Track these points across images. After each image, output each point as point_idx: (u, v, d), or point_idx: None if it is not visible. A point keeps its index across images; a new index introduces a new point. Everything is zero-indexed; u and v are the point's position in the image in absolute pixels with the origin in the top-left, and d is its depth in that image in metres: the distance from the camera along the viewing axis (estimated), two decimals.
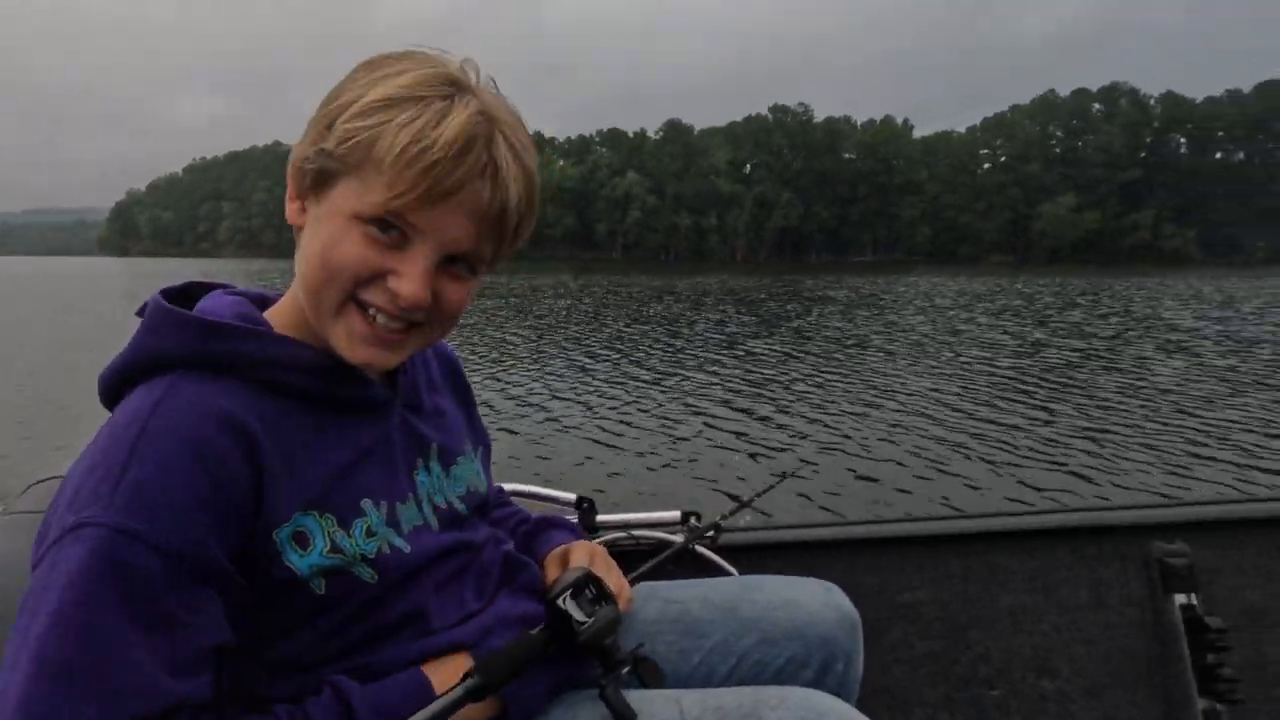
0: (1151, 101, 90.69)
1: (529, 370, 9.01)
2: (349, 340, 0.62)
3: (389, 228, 0.59)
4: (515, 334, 12.94)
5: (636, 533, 1.19)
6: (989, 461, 5.33)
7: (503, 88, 0.61)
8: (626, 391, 7.77)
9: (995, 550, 1.26)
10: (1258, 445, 5.88)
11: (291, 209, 0.65)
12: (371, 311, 0.61)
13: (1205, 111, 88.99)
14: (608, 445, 5.71)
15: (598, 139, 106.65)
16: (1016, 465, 5.27)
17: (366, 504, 0.64)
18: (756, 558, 1.21)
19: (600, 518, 1.19)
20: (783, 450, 5.59)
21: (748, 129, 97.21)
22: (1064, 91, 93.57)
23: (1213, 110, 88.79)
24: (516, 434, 5.95)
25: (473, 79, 0.62)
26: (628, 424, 6.31)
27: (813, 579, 0.89)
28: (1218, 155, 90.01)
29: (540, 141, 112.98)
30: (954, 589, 1.24)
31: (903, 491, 4.72)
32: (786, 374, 9.03)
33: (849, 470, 5.06)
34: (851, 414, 6.75)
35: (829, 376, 8.88)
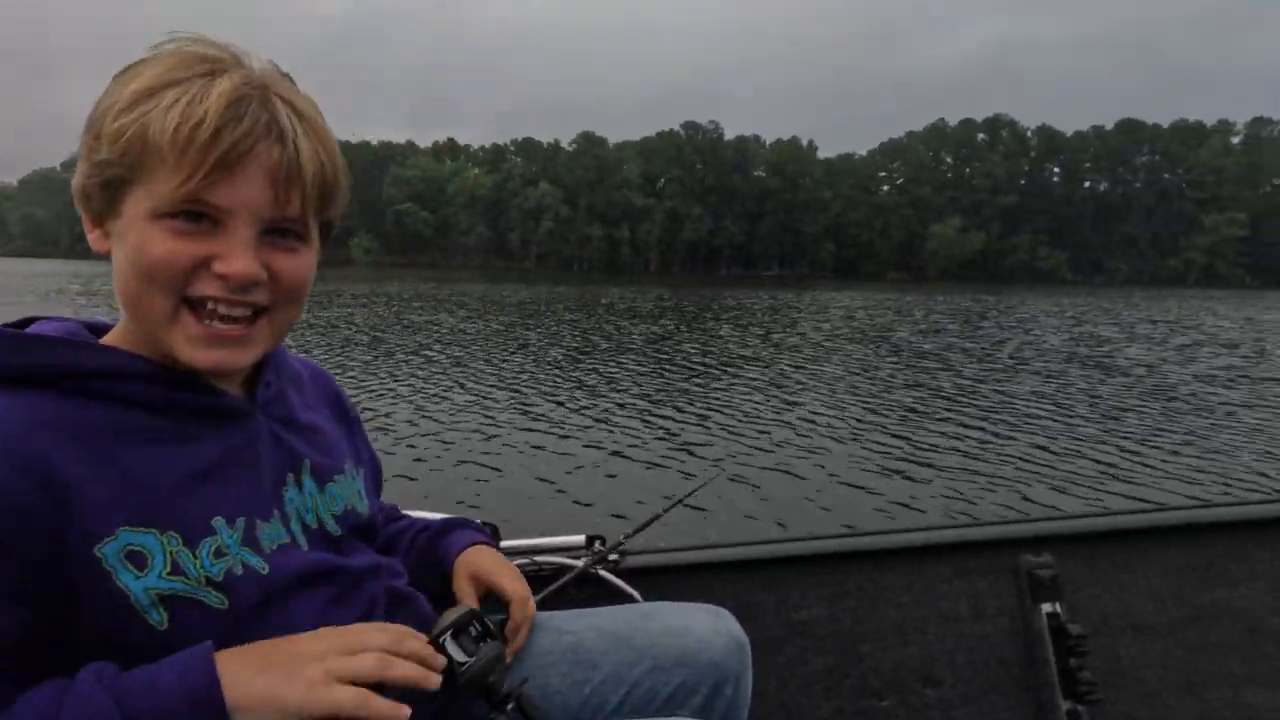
0: (1029, 133, 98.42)
1: (424, 388, 8.58)
2: (190, 346, 0.59)
3: (195, 217, 0.57)
4: (409, 349, 12.49)
5: (539, 558, 1.19)
6: (875, 479, 5.46)
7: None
8: (532, 410, 7.58)
9: (884, 567, 1.31)
10: (1116, 459, 6.21)
11: (93, 237, 0.61)
12: (210, 306, 0.58)
13: (1075, 144, 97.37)
14: (512, 467, 5.57)
15: (512, 148, 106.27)
16: (900, 482, 5.45)
17: (218, 521, 0.60)
18: (659, 580, 1.22)
19: (504, 544, 1.15)
20: (687, 468, 5.52)
21: (660, 144, 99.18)
22: (953, 121, 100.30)
23: (1081, 143, 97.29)
24: (412, 458, 5.72)
25: (235, 58, 0.59)
26: (533, 444, 6.20)
27: (703, 605, 0.90)
28: (1086, 185, 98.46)
29: (454, 149, 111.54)
30: (845, 605, 1.29)
31: (799, 509, 4.80)
32: (690, 390, 8.99)
33: (750, 488, 5.20)
34: (752, 431, 6.81)
35: (731, 393, 8.90)
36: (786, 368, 11.54)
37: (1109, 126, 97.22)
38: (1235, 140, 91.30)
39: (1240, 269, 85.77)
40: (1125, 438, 7.16)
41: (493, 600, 0.85)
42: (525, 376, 9.89)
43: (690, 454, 6.13)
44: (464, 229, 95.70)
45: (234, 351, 0.60)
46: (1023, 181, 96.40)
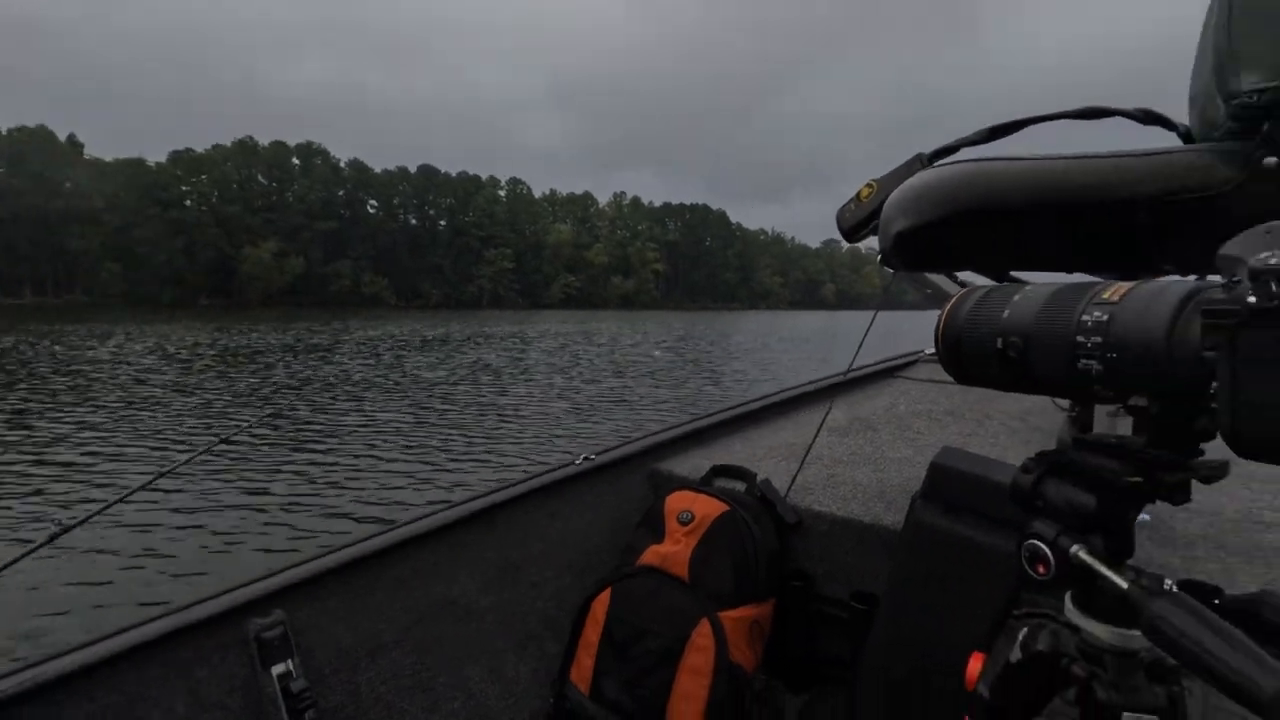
0: (342, 164, 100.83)
1: None
2: None
3: None
4: None
5: None
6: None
7: None
8: None
9: (65, 707, 0.95)
10: (335, 498, 5.86)
11: None
12: None
13: (384, 181, 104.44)
14: None
15: None
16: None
17: None
18: None
19: None
20: None
21: None
22: (264, 141, 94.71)
23: (390, 180, 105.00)
24: None
25: None
26: None
27: None
28: (400, 218, 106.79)
29: None
30: None
31: None
32: None
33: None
34: None
35: None
36: None
37: (413, 170, 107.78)
38: (501, 193, 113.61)
39: (514, 293, 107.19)
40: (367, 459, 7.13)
41: None
42: None
43: None
44: None
45: None
46: (342, 210, 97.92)
